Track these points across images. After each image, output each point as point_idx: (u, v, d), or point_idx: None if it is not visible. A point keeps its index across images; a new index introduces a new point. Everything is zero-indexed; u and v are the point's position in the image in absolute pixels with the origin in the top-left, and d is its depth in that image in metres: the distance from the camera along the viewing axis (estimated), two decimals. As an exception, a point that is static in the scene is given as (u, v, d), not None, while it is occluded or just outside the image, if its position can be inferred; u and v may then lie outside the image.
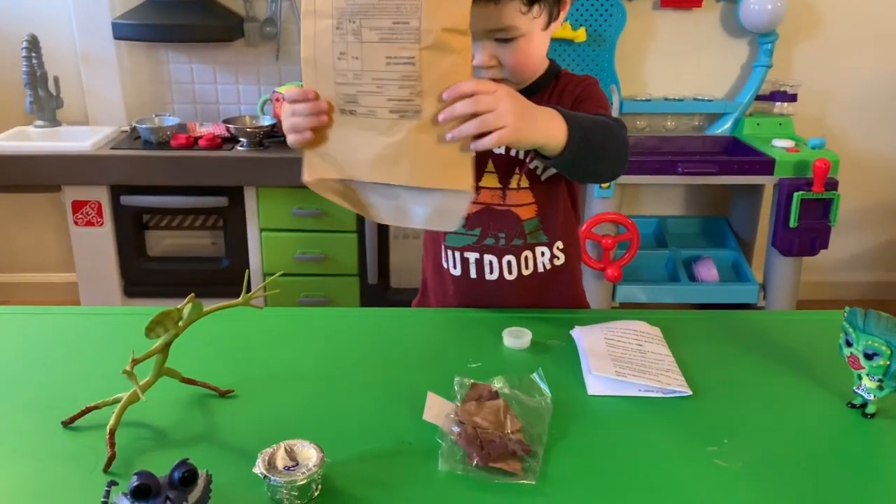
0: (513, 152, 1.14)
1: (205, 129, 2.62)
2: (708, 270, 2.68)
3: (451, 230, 1.01)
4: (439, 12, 0.83)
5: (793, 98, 2.78)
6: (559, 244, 1.20)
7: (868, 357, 0.88)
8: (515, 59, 1.05)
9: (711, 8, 2.79)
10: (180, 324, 0.85)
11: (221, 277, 2.58)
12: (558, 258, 1.21)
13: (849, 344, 0.91)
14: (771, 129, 2.76)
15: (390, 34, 0.85)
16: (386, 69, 0.86)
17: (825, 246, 2.52)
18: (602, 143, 1.00)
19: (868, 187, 3.00)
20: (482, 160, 1.14)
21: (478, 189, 1.12)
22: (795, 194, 2.41)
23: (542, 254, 1.19)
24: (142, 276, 2.61)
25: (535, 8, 1.02)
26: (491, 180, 1.15)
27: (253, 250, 2.56)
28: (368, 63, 0.87)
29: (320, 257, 2.54)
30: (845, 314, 0.92)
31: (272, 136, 2.57)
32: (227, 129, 2.54)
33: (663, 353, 1.03)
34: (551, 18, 1.06)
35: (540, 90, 1.14)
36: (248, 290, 0.91)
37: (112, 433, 0.81)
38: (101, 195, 2.47)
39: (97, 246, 2.53)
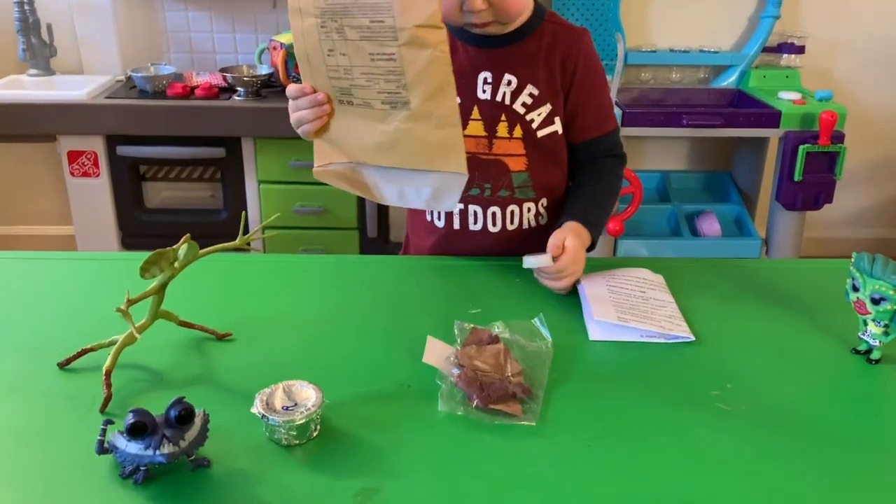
0: (498, 97, 1.12)
1: (201, 79, 2.58)
2: (710, 225, 2.66)
3: (450, 209, 1.01)
4: (411, 11, 0.85)
5: (800, 50, 2.73)
6: (544, 201, 1.18)
7: (875, 302, 0.87)
8: (506, 4, 1.04)
9: (720, -44, 2.73)
10: (176, 264, 0.84)
11: (220, 229, 2.56)
12: (542, 216, 1.19)
13: (855, 289, 0.90)
14: (777, 81, 2.72)
15: (370, 32, 0.88)
16: (372, 64, 0.90)
17: (829, 200, 2.50)
18: (609, 212, 1.16)
19: (875, 141, 2.97)
20: (466, 107, 1.12)
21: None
22: (801, 147, 2.38)
23: (529, 209, 1.18)
24: (139, 228, 2.59)
25: None
26: (476, 128, 1.13)
27: (251, 202, 2.54)
28: (355, 59, 0.91)
29: (319, 210, 2.52)
30: (853, 259, 0.91)
31: (269, 85, 2.53)
32: (224, 79, 2.50)
33: (666, 299, 1.02)
34: None
35: (527, 35, 1.12)
36: (246, 233, 0.89)
37: (108, 374, 0.81)
38: (97, 145, 2.44)
39: (94, 197, 2.51)
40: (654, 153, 3.00)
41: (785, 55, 2.75)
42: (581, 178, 1.18)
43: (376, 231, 2.57)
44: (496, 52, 1.12)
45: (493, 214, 1.17)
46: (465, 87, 1.12)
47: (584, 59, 1.13)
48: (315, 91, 0.98)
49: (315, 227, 2.56)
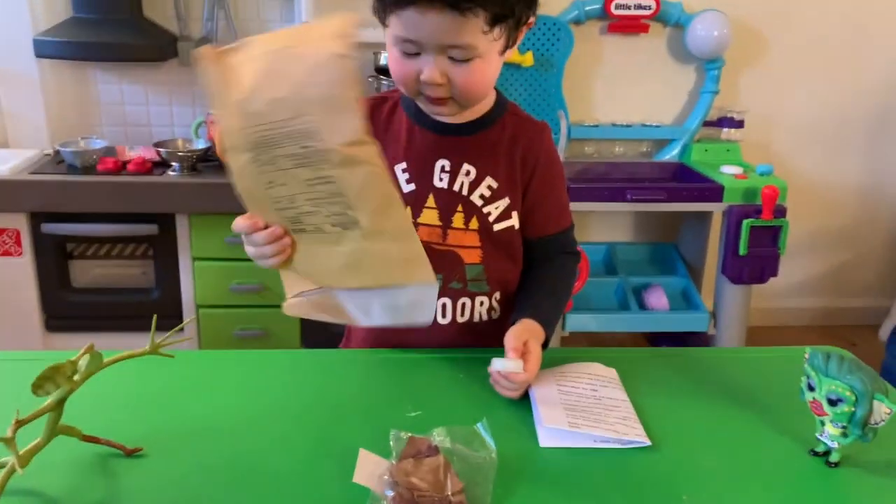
0: (455, 186, 1.08)
1: (134, 153, 2.50)
2: (658, 299, 2.66)
3: (428, 322, 0.95)
4: (335, 131, 0.82)
5: (740, 124, 2.80)
6: (497, 295, 1.14)
7: (832, 403, 0.84)
8: (468, 81, 0.97)
9: (658, 34, 2.80)
10: (76, 377, 0.76)
11: (151, 310, 2.44)
12: (495, 311, 1.15)
13: (811, 388, 0.86)
14: (719, 155, 2.77)
15: (302, 159, 0.84)
16: (313, 190, 0.87)
17: (774, 273, 2.52)
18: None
19: (815, 213, 3.03)
20: (421, 194, 1.08)
21: (416, 226, 1.07)
22: (744, 221, 2.41)
23: (482, 303, 1.13)
24: (65, 309, 2.46)
25: (497, 30, 0.95)
26: (430, 216, 1.08)
27: (185, 280, 2.45)
28: (295, 187, 0.87)
29: (257, 287, 2.44)
30: (807, 356, 0.87)
31: (206, 160, 2.47)
32: (158, 153, 2.43)
33: (620, 398, 0.97)
34: (508, 43, 1.00)
35: (488, 126, 1.09)
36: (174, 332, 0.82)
37: (-8, 506, 0.71)
38: (20, 223, 2.33)
39: (16, 277, 2.38)
40: (600, 225, 3.01)
41: (725, 129, 2.82)
42: (537, 272, 1.14)
43: (317, 309, 2.48)
44: (456, 140, 1.08)
45: (444, 306, 1.12)
46: (422, 173, 1.08)
47: (544, 156, 1.10)
48: (267, 226, 0.92)
49: (253, 305, 2.47)
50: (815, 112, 2.95)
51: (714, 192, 2.47)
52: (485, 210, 1.08)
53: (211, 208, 2.35)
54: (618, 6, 2.66)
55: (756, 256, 2.47)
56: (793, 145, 2.98)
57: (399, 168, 1.08)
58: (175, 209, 2.36)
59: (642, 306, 2.65)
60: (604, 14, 2.68)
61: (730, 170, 2.57)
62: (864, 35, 2.87)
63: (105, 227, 2.37)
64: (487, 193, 1.08)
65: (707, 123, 2.83)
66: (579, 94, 2.83)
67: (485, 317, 1.14)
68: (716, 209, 2.55)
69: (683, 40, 2.74)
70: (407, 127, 1.10)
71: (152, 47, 2.50)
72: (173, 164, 2.40)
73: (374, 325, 0.97)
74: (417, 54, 0.96)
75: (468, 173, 1.08)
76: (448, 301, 1.11)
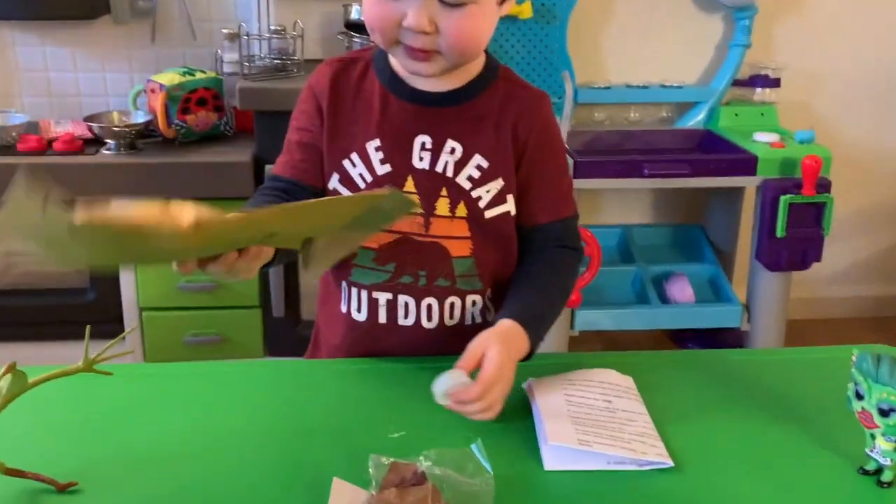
0: (438, 167, 1.08)
1: (61, 129, 2.49)
2: (681, 290, 2.67)
3: (312, 278, 0.92)
4: None
5: (775, 83, 2.81)
6: (490, 293, 1.15)
7: (884, 413, 0.85)
8: (459, 30, 0.97)
9: (679, -23, 2.80)
10: (-3, 401, 0.76)
11: (85, 314, 2.44)
12: (489, 310, 1.15)
13: (860, 397, 0.87)
14: (751, 119, 2.77)
15: None
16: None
17: (818, 259, 2.53)
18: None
19: (863, 187, 3.05)
20: (399, 176, 1.08)
21: None
22: (782, 198, 2.41)
23: (474, 303, 1.14)
24: (-16, 315, 2.46)
25: None
26: None
27: (125, 279, 2.44)
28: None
29: (210, 286, 2.43)
30: (854, 359, 0.88)
31: (147, 135, 2.46)
32: (90, 129, 2.42)
33: (637, 410, 0.98)
34: None
35: (476, 94, 1.09)
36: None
37: None
38: (-74, 214, 2.31)
39: (-79, 278, 2.37)
40: (613, 206, 3.02)
41: (758, 89, 2.82)
42: (528, 266, 1.14)
43: (283, 310, 2.49)
44: (438, 111, 1.08)
45: (429, 307, 1.12)
46: (399, 151, 1.08)
47: (539, 128, 1.10)
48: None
49: (206, 306, 2.48)
50: (863, 69, 2.96)
51: (746, 163, 2.48)
52: (474, 194, 1.08)
53: (153, 193, 2.33)
54: (631, -54, 2.66)
55: (796, 239, 2.48)
56: (837, 108, 2.98)
57: (372, 146, 1.09)
58: (111, 194, 2.34)
59: (664, 299, 2.67)
60: (614, -45, 2.69)
61: (764, 137, 2.57)
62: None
63: (29, 216, 2.36)
64: (476, 174, 1.08)
65: (737, 83, 2.83)
66: (587, 51, 2.83)
67: (478, 318, 1.14)
68: (749, 184, 2.56)
69: (708, -15, 2.74)
70: (381, 96, 1.09)
71: (80, 3, 2.48)
72: (108, 141, 2.39)
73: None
74: None
75: (453, 151, 1.08)
76: (434, 301, 1.12)
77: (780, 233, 2.46)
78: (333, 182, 1.11)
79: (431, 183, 1.08)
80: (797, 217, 2.46)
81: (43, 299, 2.48)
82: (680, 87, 2.85)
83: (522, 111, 1.10)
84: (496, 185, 1.09)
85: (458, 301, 1.12)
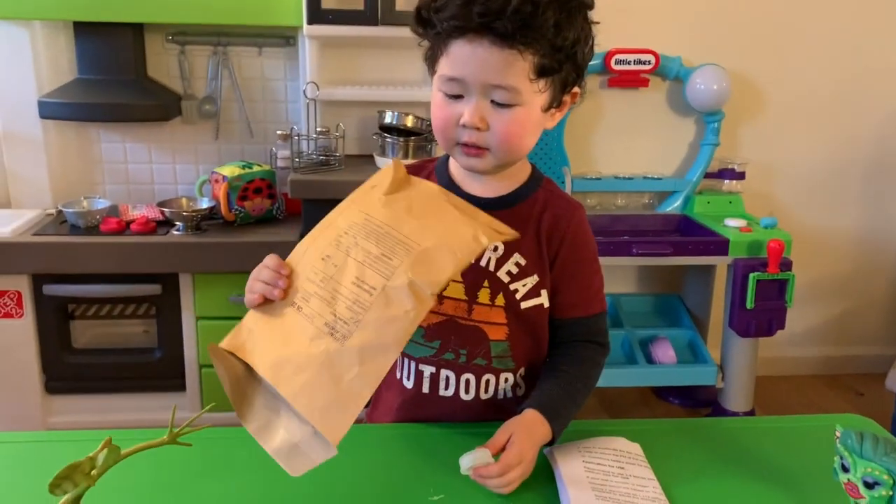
0: (482, 262, 1.06)
1: (137, 213, 2.50)
2: (665, 352, 2.63)
3: (292, 474, 0.83)
4: (420, 266, 0.84)
5: (741, 175, 2.81)
6: (522, 371, 1.12)
7: (868, 486, 0.81)
8: (507, 130, 0.96)
9: (658, 88, 2.82)
10: (93, 473, 0.73)
11: (153, 370, 2.42)
12: (520, 387, 1.12)
13: (845, 469, 0.84)
14: (721, 206, 2.77)
15: (373, 260, 0.86)
16: (348, 286, 0.86)
17: (782, 326, 2.50)
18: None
19: (817, 261, 3.03)
20: None
21: (441, 299, 1.05)
22: (751, 275, 2.40)
23: (506, 380, 1.10)
24: (66, 371, 2.43)
25: (543, 81, 0.95)
26: (456, 290, 1.06)
27: (188, 339, 2.42)
28: (340, 274, 0.87)
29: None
30: (838, 435, 0.85)
31: (210, 218, 2.47)
32: (162, 213, 2.42)
33: (647, 476, 0.95)
34: (552, 103, 1.00)
35: (520, 201, 1.07)
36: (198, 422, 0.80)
37: None
38: (22, 284, 2.31)
39: (16, 339, 2.35)
40: (605, 277, 2.99)
41: (726, 181, 2.83)
42: (556, 360, 1.11)
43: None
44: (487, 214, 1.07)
45: (467, 381, 1.09)
46: None
47: (572, 234, 1.08)
48: (289, 275, 0.91)
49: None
50: (814, 162, 2.97)
51: (720, 245, 2.47)
52: (511, 287, 1.06)
53: (214, 267, 2.34)
54: (618, 61, 2.69)
55: (763, 310, 2.46)
56: (794, 195, 2.99)
57: None
58: (178, 268, 2.35)
59: (649, 360, 2.63)
60: (604, 69, 2.71)
61: (734, 223, 2.56)
62: (859, 86, 2.90)
63: (108, 287, 2.35)
64: (515, 270, 1.06)
65: (708, 175, 2.83)
66: (581, 148, 2.84)
67: (509, 393, 1.11)
68: (722, 262, 2.54)
69: (683, 94, 2.76)
70: None
71: (156, 107, 2.51)
72: (177, 223, 2.39)
73: (254, 436, 0.86)
74: (461, 97, 0.96)
75: (496, 248, 1.05)
76: (472, 377, 1.09)
77: (749, 304, 2.44)
78: None
79: (476, 275, 1.06)
80: (764, 291, 2.44)
81: (119, 357, 2.46)
82: (660, 179, 2.85)
83: (557, 218, 1.07)
84: (531, 280, 1.06)
85: (492, 378, 1.10)
